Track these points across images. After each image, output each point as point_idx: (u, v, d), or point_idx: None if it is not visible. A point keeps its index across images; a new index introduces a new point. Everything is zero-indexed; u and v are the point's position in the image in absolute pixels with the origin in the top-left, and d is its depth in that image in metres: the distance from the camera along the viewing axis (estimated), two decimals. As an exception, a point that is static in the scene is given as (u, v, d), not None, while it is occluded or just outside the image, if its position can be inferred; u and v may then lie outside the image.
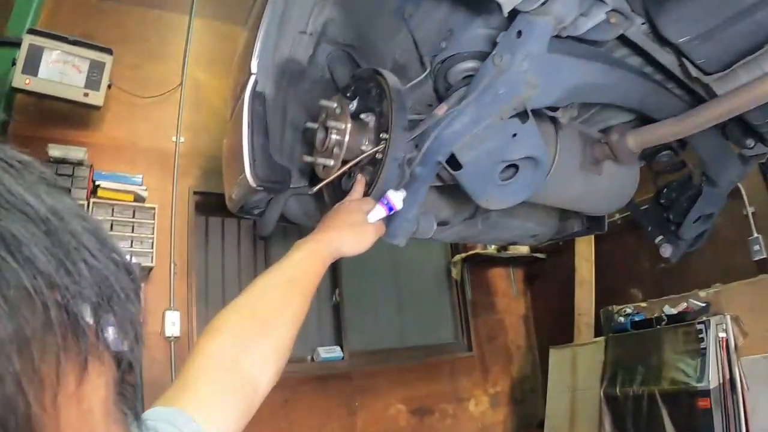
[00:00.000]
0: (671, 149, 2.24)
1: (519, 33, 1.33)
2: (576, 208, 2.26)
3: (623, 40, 1.59)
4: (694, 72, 1.58)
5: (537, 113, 1.50)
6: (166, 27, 5.06)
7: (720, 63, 1.52)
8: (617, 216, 4.74)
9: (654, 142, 1.85)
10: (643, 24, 1.48)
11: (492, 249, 6.00)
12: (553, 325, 6.11)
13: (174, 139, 4.74)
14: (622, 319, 4.84)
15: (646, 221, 2.48)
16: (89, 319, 0.38)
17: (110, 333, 0.40)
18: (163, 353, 4.21)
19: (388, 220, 1.41)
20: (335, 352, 5.00)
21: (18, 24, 4.14)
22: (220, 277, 4.88)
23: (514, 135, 1.38)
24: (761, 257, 4.33)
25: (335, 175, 1.56)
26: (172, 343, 4.25)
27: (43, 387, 0.34)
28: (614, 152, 1.86)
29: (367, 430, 5.00)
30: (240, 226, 5.05)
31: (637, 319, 4.71)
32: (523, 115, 1.38)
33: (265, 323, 1.02)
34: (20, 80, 3.85)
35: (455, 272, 6.03)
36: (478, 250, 5.96)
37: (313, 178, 1.95)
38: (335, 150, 1.55)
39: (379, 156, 1.47)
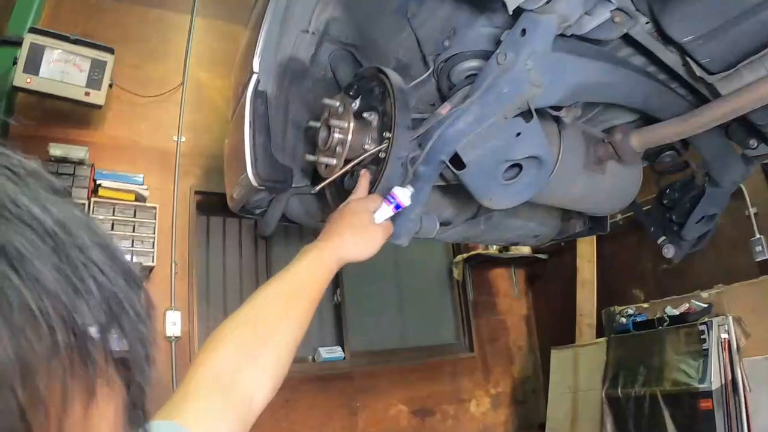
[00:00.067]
0: (674, 149, 2.23)
1: (523, 31, 1.32)
2: (579, 209, 2.25)
3: (627, 39, 1.58)
4: (698, 71, 1.57)
5: (540, 112, 1.49)
6: (167, 26, 5.06)
7: (724, 63, 1.51)
8: (619, 216, 4.74)
9: (657, 141, 1.84)
10: (647, 23, 1.47)
11: (494, 249, 6.00)
12: (554, 325, 6.10)
13: (175, 138, 4.74)
14: (623, 319, 4.83)
15: (648, 222, 2.47)
16: (97, 341, 0.35)
17: (119, 355, 0.38)
18: (164, 353, 4.21)
19: (395, 219, 1.36)
20: (336, 352, 4.99)
21: (19, 23, 4.15)
22: (222, 277, 4.88)
23: (518, 134, 1.37)
24: (763, 258, 4.32)
25: (338, 174, 1.55)
26: (173, 343, 4.24)
27: (47, 414, 0.32)
28: (618, 152, 1.85)
29: (368, 430, 4.99)
30: (241, 225, 5.05)
31: (639, 319, 4.71)
32: (527, 115, 1.38)
33: (266, 336, 1.01)
34: (21, 79, 3.85)
35: (457, 272, 6.03)
36: (480, 251, 5.95)
37: (315, 177, 1.94)
38: (338, 149, 1.55)
39: (382, 155, 1.47)
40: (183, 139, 4.76)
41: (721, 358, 3.90)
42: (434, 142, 1.43)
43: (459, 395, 5.65)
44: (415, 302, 5.85)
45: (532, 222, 2.52)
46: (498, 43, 1.43)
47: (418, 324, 5.80)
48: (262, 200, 2.19)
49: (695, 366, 3.99)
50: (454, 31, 1.69)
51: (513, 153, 1.40)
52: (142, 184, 4.29)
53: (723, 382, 3.85)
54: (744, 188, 4.33)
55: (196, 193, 4.72)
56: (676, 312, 4.43)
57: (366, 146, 1.52)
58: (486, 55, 1.52)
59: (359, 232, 1.24)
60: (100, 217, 3.99)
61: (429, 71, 1.77)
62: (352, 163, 1.53)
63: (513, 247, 6.04)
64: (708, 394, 3.84)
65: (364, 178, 1.41)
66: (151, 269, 4.20)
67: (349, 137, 1.52)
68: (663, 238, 2.41)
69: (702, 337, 4.02)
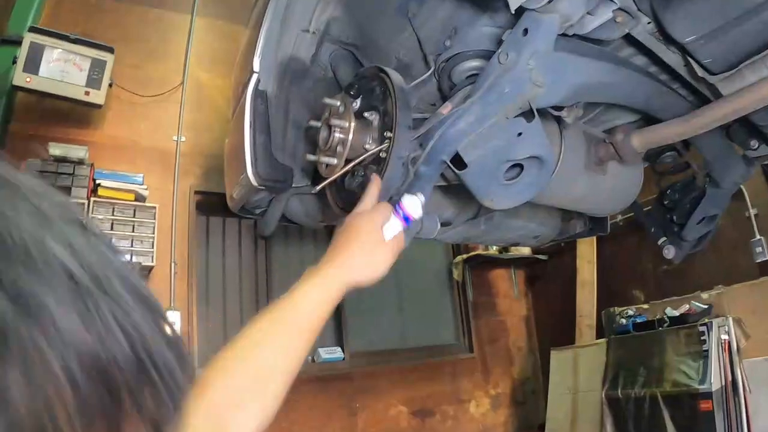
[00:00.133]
0: (675, 150, 2.22)
1: (525, 31, 1.32)
2: (580, 209, 2.25)
3: (629, 39, 1.58)
4: (699, 72, 1.57)
5: (542, 113, 1.49)
6: (167, 26, 5.05)
7: (726, 63, 1.51)
8: (619, 217, 4.73)
9: (659, 142, 1.84)
10: (649, 23, 1.47)
11: (493, 250, 5.99)
12: (554, 326, 6.10)
13: (175, 138, 4.74)
14: (623, 320, 4.83)
15: (649, 222, 2.47)
16: (126, 396, 0.32)
17: (149, 407, 0.34)
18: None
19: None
20: (336, 352, 4.98)
21: (19, 22, 4.14)
22: (221, 278, 4.87)
23: (520, 134, 1.37)
24: (764, 259, 4.32)
25: (338, 173, 1.55)
26: (173, 343, 4.23)
27: None
28: (619, 152, 1.85)
29: (368, 431, 4.98)
30: (241, 225, 5.04)
31: (639, 320, 4.71)
32: (528, 114, 1.37)
33: (257, 380, 0.94)
34: (21, 78, 3.85)
35: (456, 273, 6.02)
36: (480, 251, 5.95)
37: (315, 177, 1.94)
38: (338, 149, 1.54)
39: (383, 155, 1.46)
40: (183, 138, 4.76)
41: (722, 360, 3.89)
42: (435, 142, 1.42)
43: (459, 396, 5.64)
44: (414, 303, 5.84)
45: (533, 222, 2.52)
46: (499, 42, 1.42)
47: (418, 324, 5.79)
48: (262, 200, 2.18)
49: (695, 367, 3.99)
50: (455, 31, 1.68)
51: (514, 153, 1.39)
52: (142, 184, 4.28)
53: (723, 384, 3.85)
54: (744, 189, 4.32)
55: (196, 193, 4.71)
56: (677, 313, 4.43)
57: (367, 146, 1.51)
58: (487, 55, 1.51)
59: (367, 251, 1.10)
60: (100, 216, 3.98)
61: (430, 71, 1.76)
62: (353, 163, 1.52)
63: (513, 248, 6.03)
64: (708, 396, 3.83)
65: (375, 185, 1.27)
66: (150, 269, 4.19)
67: (350, 137, 1.51)
68: (663, 239, 2.41)
69: (702, 338, 4.02)
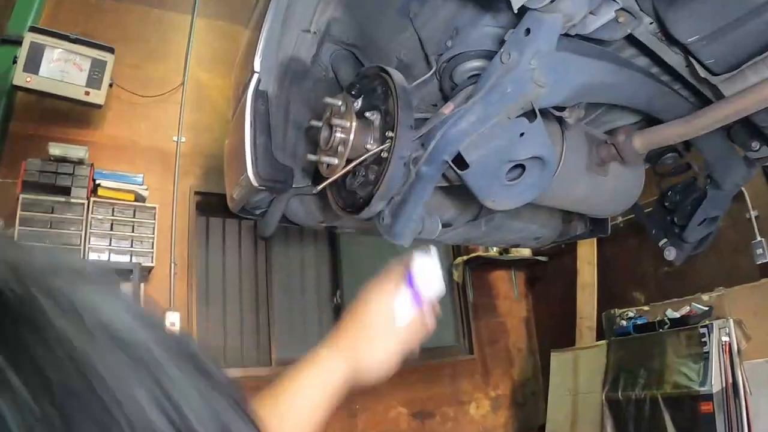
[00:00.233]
0: (676, 151, 2.22)
1: (527, 31, 1.31)
2: (581, 210, 2.24)
3: (631, 40, 1.57)
4: (701, 72, 1.57)
5: (544, 113, 1.48)
6: (167, 26, 5.05)
7: (728, 64, 1.50)
8: (620, 219, 4.73)
9: (660, 143, 1.83)
10: (651, 23, 1.46)
11: (494, 251, 5.99)
12: (554, 328, 6.09)
13: (175, 138, 4.73)
14: (624, 322, 4.82)
15: (650, 224, 2.46)
16: None
17: None
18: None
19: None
20: (335, 353, 4.96)
21: (19, 22, 4.14)
22: (221, 278, 4.86)
23: (522, 134, 1.36)
24: (764, 261, 4.31)
25: (339, 173, 1.54)
26: (172, 343, 4.23)
27: None
28: (620, 153, 1.84)
29: (368, 432, 4.98)
30: (241, 226, 5.04)
31: (639, 322, 4.70)
32: (530, 115, 1.37)
33: None
34: (21, 78, 3.85)
35: (457, 275, 6.01)
36: (480, 253, 5.94)
37: (316, 177, 1.93)
38: (340, 148, 1.54)
39: (384, 155, 1.46)
40: (183, 139, 4.76)
41: (722, 361, 3.89)
42: (437, 142, 1.42)
43: (458, 397, 5.63)
44: (414, 304, 5.82)
45: (534, 224, 2.52)
46: (501, 43, 1.42)
47: (418, 326, 5.77)
48: (263, 201, 2.18)
49: (696, 369, 3.98)
50: (457, 31, 1.68)
51: (516, 153, 1.38)
52: (142, 184, 4.28)
53: (724, 385, 3.84)
54: (745, 191, 4.32)
55: (196, 193, 4.71)
56: (677, 315, 4.42)
57: (368, 146, 1.51)
58: (489, 55, 1.51)
59: (378, 340, 0.95)
60: (99, 217, 3.98)
61: (431, 71, 1.76)
62: (354, 163, 1.52)
63: (513, 250, 6.03)
64: (708, 397, 3.82)
65: (398, 272, 1.00)
66: (150, 270, 4.19)
67: (351, 137, 1.51)
68: (664, 240, 2.40)
69: (703, 339, 4.01)
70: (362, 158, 1.50)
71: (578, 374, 5.15)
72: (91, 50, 4.11)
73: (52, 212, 3.83)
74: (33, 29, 3.99)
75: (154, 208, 4.24)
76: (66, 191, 3.90)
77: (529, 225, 2.46)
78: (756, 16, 1.33)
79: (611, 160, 1.89)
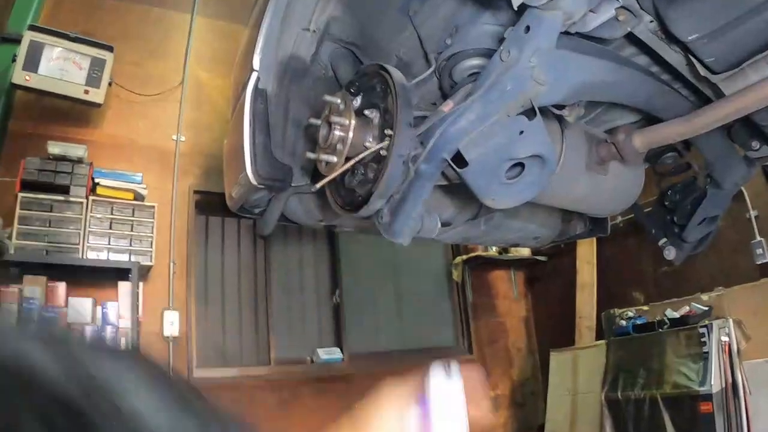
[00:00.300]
0: (676, 151, 2.22)
1: (527, 28, 1.31)
2: (580, 209, 2.24)
3: (631, 38, 1.57)
4: (701, 71, 1.56)
5: (543, 111, 1.48)
6: (167, 25, 5.05)
7: (728, 62, 1.50)
8: (619, 218, 4.72)
9: (660, 142, 1.83)
10: (651, 22, 1.46)
11: (493, 251, 5.98)
12: (554, 328, 6.08)
13: (174, 137, 4.73)
14: (623, 322, 4.81)
15: (649, 224, 2.46)
16: None
17: None
18: (161, 353, 4.19)
19: (397, 214, 1.14)
20: (335, 353, 4.97)
21: (19, 20, 4.14)
22: (220, 277, 4.86)
23: (521, 132, 1.36)
24: (764, 261, 4.30)
25: (338, 171, 1.54)
26: (171, 343, 4.22)
27: None
28: (620, 152, 1.84)
29: (366, 432, 4.96)
30: (240, 225, 5.03)
31: (639, 322, 4.69)
32: (530, 113, 1.36)
33: None
34: (20, 77, 3.85)
35: (456, 274, 6.01)
36: (480, 252, 5.93)
37: (315, 175, 1.93)
38: (338, 146, 1.53)
39: (383, 153, 1.45)
40: (182, 138, 4.75)
41: (722, 361, 3.88)
42: (436, 140, 1.41)
43: (457, 397, 5.62)
44: (414, 304, 5.83)
45: (533, 223, 2.51)
46: (501, 41, 1.41)
47: (418, 326, 5.77)
48: (262, 199, 2.17)
49: (695, 369, 3.98)
50: (457, 29, 1.67)
51: (516, 151, 1.38)
52: (141, 183, 4.27)
53: (723, 385, 3.84)
54: (745, 191, 4.31)
55: (195, 192, 4.71)
56: (677, 315, 4.41)
57: (367, 144, 1.50)
58: (489, 53, 1.50)
59: None
60: (98, 215, 3.98)
61: (431, 69, 1.75)
62: (353, 161, 1.51)
63: (513, 249, 6.02)
64: (708, 397, 3.82)
65: (413, 386, 0.97)
66: (149, 268, 4.19)
67: (350, 134, 1.50)
68: (664, 240, 2.40)
69: (702, 339, 4.01)
70: (361, 156, 1.50)
71: (577, 374, 5.15)
72: (91, 49, 4.11)
73: (50, 211, 3.83)
74: (32, 27, 3.99)
75: (153, 207, 4.24)
76: (65, 190, 3.90)
77: (528, 224, 2.46)
78: (756, 14, 1.33)
79: (611, 159, 1.88)
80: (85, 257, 3.87)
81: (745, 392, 3.81)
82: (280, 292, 5.05)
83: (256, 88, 1.90)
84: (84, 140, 4.25)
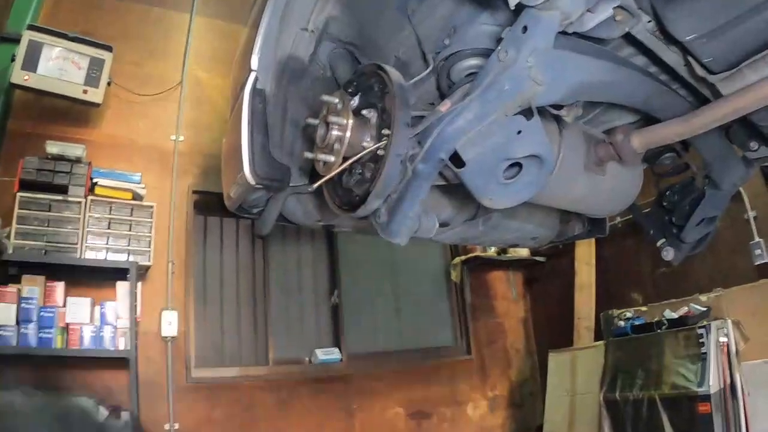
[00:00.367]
0: (674, 151, 2.22)
1: (525, 28, 1.31)
2: (579, 210, 2.23)
3: (629, 39, 1.57)
4: (699, 71, 1.56)
5: (541, 112, 1.48)
6: (167, 25, 5.05)
7: (726, 62, 1.50)
8: (618, 219, 4.72)
9: (659, 142, 1.83)
10: (649, 22, 1.46)
11: (492, 252, 5.98)
12: (552, 328, 6.08)
13: (173, 137, 4.73)
14: (622, 323, 4.80)
15: (648, 224, 2.46)
16: None
17: None
18: (160, 353, 4.19)
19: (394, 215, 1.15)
20: (333, 354, 4.97)
21: (18, 20, 4.14)
22: (218, 277, 4.85)
23: (519, 132, 1.36)
24: (763, 261, 4.31)
25: (336, 171, 1.53)
26: (169, 343, 4.22)
27: None
28: (618, 153, 1.83)
29: (365, 432, 4.97)
30: (239, 225, 5.03)
31: (637, 323, 4.69)
32: (528, 113, 1.36)
33: None
34: (19, 76, 3.85)
35: (454, 275, 6.01)
36: (478, 253, 5.93)
37: (313, 175, 1.92)
38: (336, 146, 1.53)
39: (380, 152, 1.45)
40: (181, 138, 4.75)
41: (720, 362, 3.88)
42: (434, 140, 1.41)
43: (456, 398, 5.62)
44: (412, 304, 5.82)
45: (531, 224, 2.51)
46: (498, 41, 1.41)
47: (416, 326, 5.77)
48: (260, 199, 2.17)
49: (694, 369, 3.97)
50: (455, 29, 1.67)
51: (513, 151, 1.38)
52: (140, 183, 4.27)
53: (722, 386, 3.83)
54: (743, 191, 4.32)
55: (194, 192, 4.70)
56: (675, 315, 4.41)
57: (365, 143, 1.50)
58: (487, 53, 1.50)
59: None
60: (97, 215, 3.97)
61: (429, 69, 1.75)
62: (350, 161, 1.51)
63: (511, 250, 6.02)
64: (706, 398, 3.82)
65: None
66: (147, 268, 4.18)
67: (348, 134, 1.50)
68: (662, 240, 2.40)
69: (701, 340, 4.00)
70: (358, 156, 1.49)
71: (576, 375, 5.14)
72: (90, 48, 4.10)
73: (49, 210, 3.82)
74: (31, 27, 3.98)
75: (152, 206, 4.24)
76: (63, 190, 3.90)
77: (526, 225, 2.46)
78: (756, 14, 1.33)
79: (609, 159, 1.88)
80: (83, 257, 3.87)
81: (743, 393, 3.81)
82: (279, 292, 5.04)
83: (254, 87, 1.90)
84: (83, 140, 4.25)
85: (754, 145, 2.00)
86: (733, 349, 3.91)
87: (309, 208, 2.27)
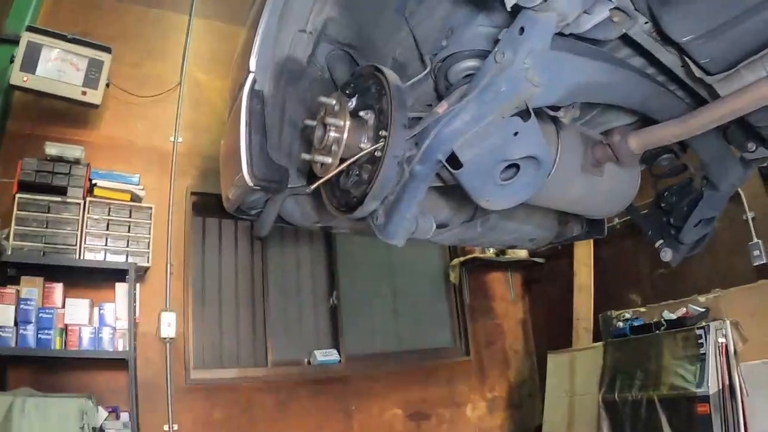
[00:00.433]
0: (672, 152, 2.22)
1: (521, 30, 1.31)
2: (576, 211, 2.24)
3: (626, 40, 1.57)
4: (697, 72, 1.56)
5: (538, 113, 1.48)
6: (165, 26, 5.05)
7: (724, 63, 1.49)
8: (616, 220, 4.73)
9: (656, 143, 1.83)
10: (646, 23, 1.46)
11: (490, 253, 5.98)
12: (551, 329, 6.08)
13: (172, 138, 4.73)
14: (621, 324, 4.81)
15: (646, 225, 2.46)
16: None
17: None
18: (159, 354, 4.19)
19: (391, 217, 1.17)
20: (332, 355, 4.97)
21: (17, 21, 4.14)
22: (217, 278, 4.85)
23: (516, 133, 1.36)
24: (761, 262, 4.30)
25: (333, 173, 1.54)
26: (168, 344, 4.22)
27: None
28: (616, 154, 1.84)
29: (364, 433, 4.97)
30: (237, 226, 5.03)
31: (636, 324, 4.69)
32: (524, 114, 1.36)
33: None
34: (18, 77, 3.85)
35: (453, 276, 6.01)
36: (477, 254, 5.94)
37: (311, 177, 1.93)
38: (333, 147, 1.53)
39: (378, 154, 1.45)
40: (180, 139, 4.75)
41: (719, 363, 3.88)
42: (431, 141, 1.42)
43: (455, 399, 5.62)
44: (411, 305, 5.83)
45: (529, 225, 2.51)
46: (495, 42, 1.42)
47: (414, 327, 5.78)
48: (258, 201, 2.17)
49: (692, 370, 3.97)
50: (452, 31, 1.68)
51: (510, 152, 1.38)
52: (138, 184, 4.26)
53: (720, 387, 3.83)
54: (741, 192, 4.32)
55: (193, 193, 4.70)
56: (674, 316, 4.41)
57: (362, 145, 1.50)
58: (484, 55, 1.50)
59: None
60: (95, 216, 3.97)
61: (426, 70, 1.76)
62: (347, 162, 1.51)
63: (510, 251, 6.02)
64: (705, 399, 3.82)
65: None
66: (146, 270, 4.18)
67: (345, 136, 1.50)
68: (661, 241, 2.40)
69: (699, 341, 4.00)
70: (356, 157, 1.50)
71: (575, 376, 5.14)
72: (88, 50, 4.11)
73: (48, 212, 3.82)
74: (30, 29, 3.99)
75: (151, 208, 4.23)
76: (62, 191, 3.89)
77: (524, 226, 2.46)
78: (753, 15, 1.33)
79: (607, 160, 1.88)
80: (82, 258, 3.86)
81: (742, 393, 3.81)
82: (277, 293, 5.04)
83: (252, 89, 1.90)
84: (81, 141, 4.25)
85: (751, 146, 2.00)
86: (731, 349, 3.91)
87: (307, 210, 2.27)
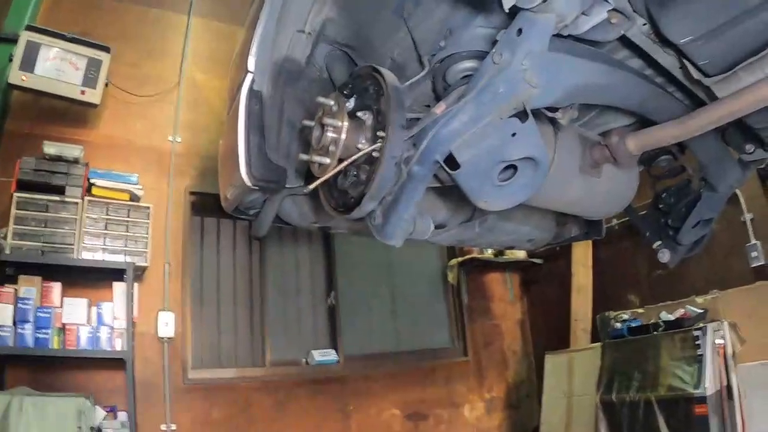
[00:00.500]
0: (670, 154, 2.22)
1: (519, 31, 1.31)
2: (574, 212, 2.24)
3: (624, 41, 1.57)
4: (695, 74, 1.56)
5: (536, 114, 1.48)
6: (164, 26, 5.06)
7: (722, 65, 1.50)
8: (614, 221, 4.73)
9: (654, 144, 1.83)
10: (644, 24, 1.46)
11: (488, 253, 5.98)
12: (549, 330, 6.08)
13: (171, 138, 4.73)
14: (618, 324, 4.81)
15: (644, 226, 2.46)
16: None
17: None
18: (157, 354, 4.18)
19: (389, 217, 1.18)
20: (330, 355, 4.97)
21: (16, 20, 4.14)
22: (215, 278, 4.85)
23: (514, 134, 1.36)
24: (759, 264, 4.31)
25: (331, 173, 1.54)
26: (166, 344, 4.22)
27: None
28: (614, 155, 1.84)
29: (362, 434, 4.97)
30: (236, 226, 5.03)
31: (633, 325, 4.69)
32: (522, 115, 1.36)
33: None
34: (17, 77, 3.85)
35: (451, 276, 6.01)
36: (475, 255, 5.94)
37: (309, 177, 1.93)
38: (331, 148, 1.53)
39: (375, 154, 1.45)
40: (179, 139, 4.75)
41: (716, 364, 3.88)
42: (429, 142, 1.42)
43: (453, 399, 5.63)
44: (409, 306, 5.83)
45: (527, 226, 2.51)
46: (494, 43, 1.42)
47: (413, 328, 5.78)
48: (256, 201, 2.17)
49: (690, 371, 3.98)
50: (450, 32, 1.68)
51: (508, 153, 1.38)
52: (137, 184, 4.26)
53: (718, 388, 3.84)
54: (739, 194, 4.33)
55: (191, 193, 4.71)
56: (671, 317, 4.42)
57: (360, 145, 1.50)
58: (482, 56, 1.50)
59: None
60: (94, 216, 3.97)
61: (424, 71, 1.76)
62: (345, 162, 1.51)
63: (508, 252, 6.03)
64: (703, 400, 3.82)
65: None
66: (144, 269, 4.18)
67: (343, 136, 1.50)
68: (659, 242, 2.40)
69: (697, 342, 4.01)
70: (353, 158, 1.50)
71: (573, 376, 5.15)
72: (87, 49, 4.11)
73: (46, 211, 3.82)
74: (29, 28, 3.99)
75: (149, 207, 4.23)
76: (60, 190, 3.89)
77: (522, 227, 2.46)
78: (751, 16, 1.33)
79: (605, 161, 1.88)
80: (80, 257, 3.86)
81: (739, 395, 3.82)
82: (276, 293, 5.04)
83: (251, 89, 1.90)
84: (80, 141, 4.25)
85: (749, 147, 2.01)
86: (729, 351, 3.92)
87: (305, 210, 2.27)
